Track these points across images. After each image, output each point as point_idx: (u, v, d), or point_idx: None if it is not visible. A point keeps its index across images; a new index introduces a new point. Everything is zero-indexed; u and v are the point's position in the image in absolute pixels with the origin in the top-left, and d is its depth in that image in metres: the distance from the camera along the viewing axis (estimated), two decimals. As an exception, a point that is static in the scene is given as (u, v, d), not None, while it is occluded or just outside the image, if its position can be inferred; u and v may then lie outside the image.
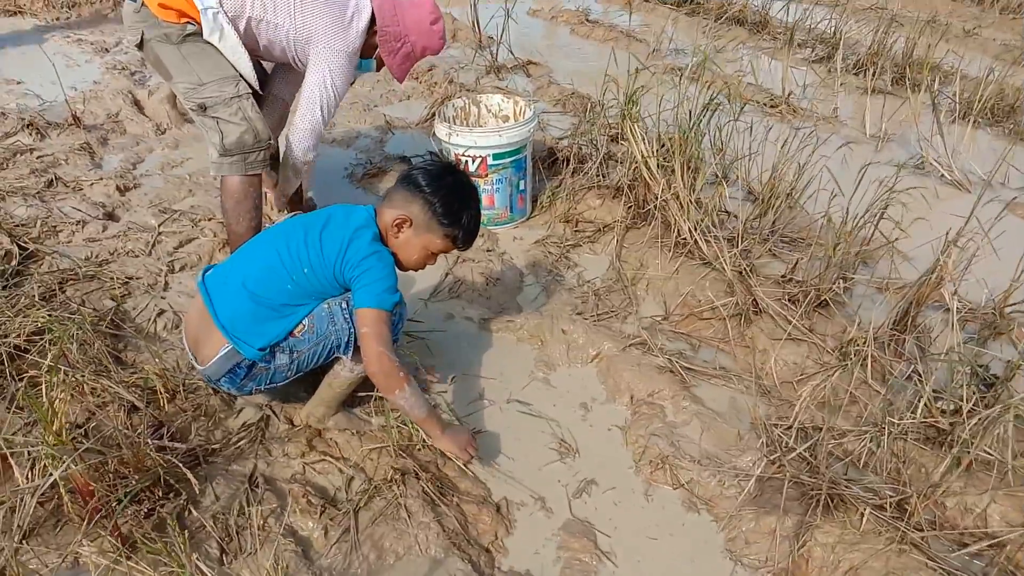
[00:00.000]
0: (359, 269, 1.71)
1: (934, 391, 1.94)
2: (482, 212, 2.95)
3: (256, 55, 2.49)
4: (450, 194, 1.79)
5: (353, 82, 2.72)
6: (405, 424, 1.90)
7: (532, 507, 1.82)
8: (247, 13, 2.32)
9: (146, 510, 1.63)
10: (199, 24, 2.29)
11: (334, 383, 1.89)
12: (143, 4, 2.28)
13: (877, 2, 6.18)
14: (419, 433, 1.90)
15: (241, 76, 2.39)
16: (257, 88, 2.47)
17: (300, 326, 1.76)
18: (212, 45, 2.33)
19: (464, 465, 1.87)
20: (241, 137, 2.35)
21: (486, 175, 2.88)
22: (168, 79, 2.42)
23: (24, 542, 1.55)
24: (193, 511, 1.67)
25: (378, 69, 2.69)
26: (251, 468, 1.82)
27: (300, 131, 2.52)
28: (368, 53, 2.59)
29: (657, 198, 2.75)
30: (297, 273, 1.73)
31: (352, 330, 1.76)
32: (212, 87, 2.33)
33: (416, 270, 1.93)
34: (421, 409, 1.73)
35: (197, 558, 1.51)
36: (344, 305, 1.76)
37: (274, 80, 2.83)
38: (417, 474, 1.79)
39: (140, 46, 2.39)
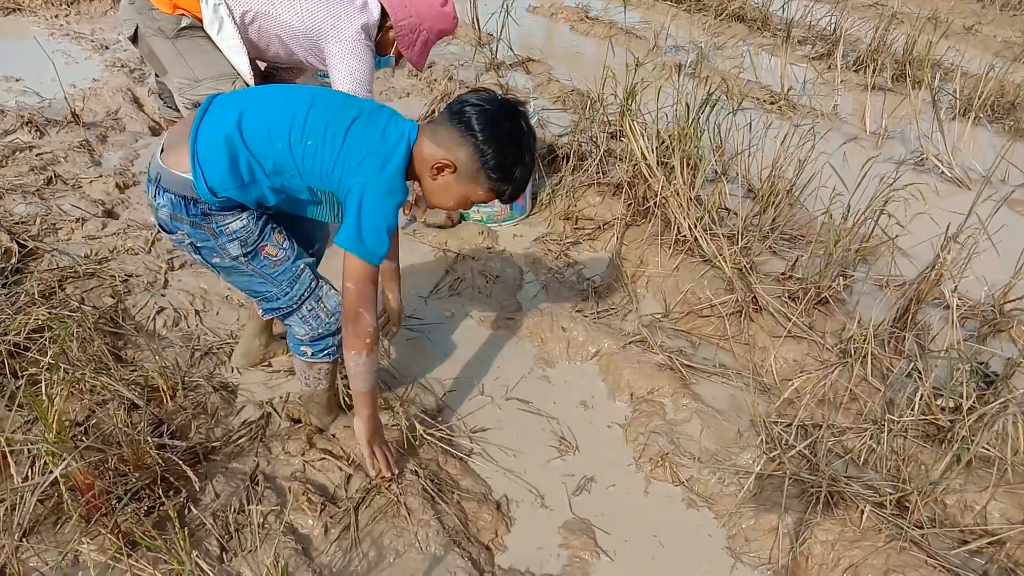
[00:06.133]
0: (355, 199, 1.52)
1: (934, 388, 1.95)
2: (481, 209, 2.99)
3: (257, 54, 2.47)
4: (507, 145, 1.55)
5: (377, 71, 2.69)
6: (397, 423, 1.90)
7: (532, 504, 1.82)
8: (253, 8, 2.29)
9: (146, 508, 1.63)
10: (194, 17, 2.27)
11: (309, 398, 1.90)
12: None
13: (877, -1, 6.18)
14: (419, 432, 1.90)
15: (238, 73, 2.37)
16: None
17: (274, 249, 1.63)
18: (208, 40, 2.32)
19: (374, 468, 1.75)
20: None
21: (486, 172, 2.87)
22: (163, 74, 2.41)
23: (24, 540, 1.55)
24: (193, 508, 1.67)
25: (396, 63, 2.66)
26: (251, 466, 1.82)
27: None
28: (385, 50, 2.57)
29: (657, 195, 2.75)
30: (297, 139, 1.52)
31: (294, 307, 1.69)
32: (207, 84, 2.31)
33: (444, 209, 1.78)
34: (366, 382, 1.63)
35: (197, 555, 1.51)
36: (313, 287, 1.69)
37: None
38: (417, 472, 1.80)
39: (134, 40, 2.37)
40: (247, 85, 2.38)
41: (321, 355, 1.77)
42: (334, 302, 1.72)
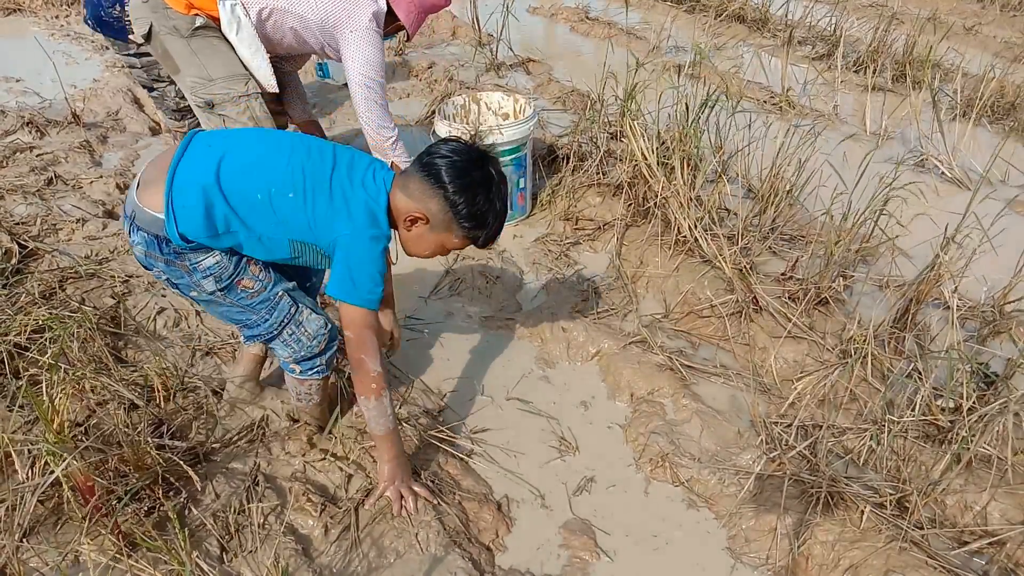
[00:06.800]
0: (343, 249, 1.55)
1: (934, 389, 1.95)
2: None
3: (269, 48, 2.49)
4: (476, 194, 1.57)
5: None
6: (403, 423, 1.90)
7: (532, 505, 1.82)
8: (269, 4, 2.33)
9: (146, 508, 1.63)
10: (209, 17, 2.29)
11: (304, 408, 1.90)
12: None
13: (877, -1, 6.18)
14: (420, 432, 1.90)
15: (251, 74, 2.39)
16: (274, 86, 2.46)
17: (251, 282, 1.62)
18: (223, 40, 2.33)
19: (379, 499, 1.74)
20: None
21: (486, 173, 2.88)
22: (175, 73, 2.42)
23: (25, 540, 1.55)
24: (193, 509, 1.67)
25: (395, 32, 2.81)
26: (251, 466, 1.82)
27: (364, 115, 2.53)
28: (390, 33, 2.66)
29: (657, 196, 2.75)
30: (278, 191, 1.51)
31: (274, 333, 1.69)
32: (221, 84, 2.33)
33: (421, 258, 1.77)
34: (380, 426, 1.65)
35: (197, 556, 1.51)
36: (293, 312, 1.68)
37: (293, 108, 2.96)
38: (418, 472, 1.80)
39: (148, 38, 2.38)
40: (261, 86, 2.40)
41: (310, 373, 1.77)
42: (315, 326, 1.71)
